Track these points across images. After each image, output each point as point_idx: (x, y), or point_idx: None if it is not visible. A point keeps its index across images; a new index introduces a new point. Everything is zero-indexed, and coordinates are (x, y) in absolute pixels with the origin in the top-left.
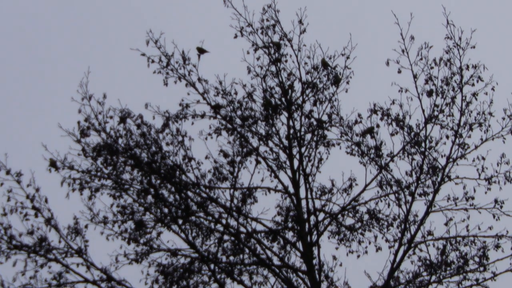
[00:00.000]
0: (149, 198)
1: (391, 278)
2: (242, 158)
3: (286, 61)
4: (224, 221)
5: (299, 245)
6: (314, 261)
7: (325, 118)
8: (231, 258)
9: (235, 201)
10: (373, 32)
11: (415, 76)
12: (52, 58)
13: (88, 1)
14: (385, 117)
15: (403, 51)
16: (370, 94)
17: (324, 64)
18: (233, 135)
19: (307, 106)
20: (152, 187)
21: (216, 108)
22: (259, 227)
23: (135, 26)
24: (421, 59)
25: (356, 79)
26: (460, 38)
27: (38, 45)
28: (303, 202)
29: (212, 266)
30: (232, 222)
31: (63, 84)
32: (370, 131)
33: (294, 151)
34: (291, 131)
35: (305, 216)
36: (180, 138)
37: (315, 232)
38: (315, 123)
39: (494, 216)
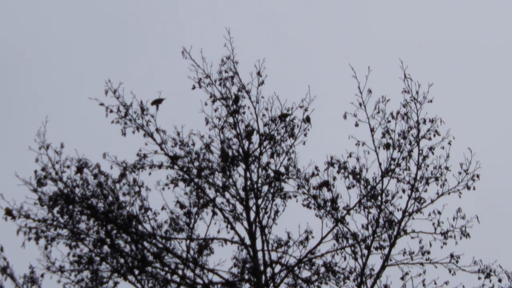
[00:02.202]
0: (105, 248)
1: None
2: (199, 209)
3: (244, 112)
4: (180, 272)
5: None
6: None
7: (282, 170)
8: None
9: (192, 252)
10: (331, 84)
11: (372, 130)
12: (9, 106)
13: (46, 47)
14: (342, 170)
15: (360, 104)
16: (327, 147)
17: (282, 116)
18: (190, 186)
19: (265, 158)
20: (109, 237)
21: (174, 159)
22: (216, 279)
23: (94, 75)
24: (378, 112)
25: (314, 131)
26: (417, 92)
27: None
28: (260, 254)
29: None
30: (189, 273)
31: (21, 133)
32: (326, 184)
33: (251, 203)
34: (248, 182)
35: (262, 268)
36: (137, 189)
37: (271, 284)
38: (272, 175)
39: (450, 271)
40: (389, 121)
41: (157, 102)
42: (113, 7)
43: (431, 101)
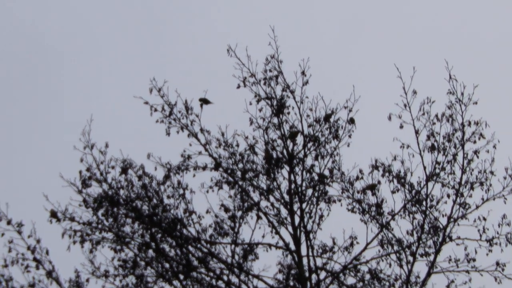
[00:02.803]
0: (150, 252)
1: None
2: (243, 213)
3: (288, 113)
4: (225, 278)
5: None
6: None
7: (326, 173)
8: None
9: (236, 257)
10: (376, 85)
11: (417, 132)
12: (54, 105)
13: (91, 47)
14: (387, 174)
15: (405, 105)
16: (371, 149)
17: (327, 117)
18: (234, 188)
19: (309, 160)
20: (153, 241)
21: (217, 166)
22: (261, 285)
23: (138, 73)
24: (423, 114)
25: (358, 133)
26: (462, 93)
27: (39, 92)
28: (304, 260)
29: None
30: (234, 279)
31: (65, 132)
32: (372, 187)
33: (295, 207)
34: (293, 186)
35: (307, 274)
36: (181, 191)
37: None
38: (316, 178)
39: (496, 279)
40: (434, 123)
41: (204, 101)
42: (159, 5)
43: (476, 103)
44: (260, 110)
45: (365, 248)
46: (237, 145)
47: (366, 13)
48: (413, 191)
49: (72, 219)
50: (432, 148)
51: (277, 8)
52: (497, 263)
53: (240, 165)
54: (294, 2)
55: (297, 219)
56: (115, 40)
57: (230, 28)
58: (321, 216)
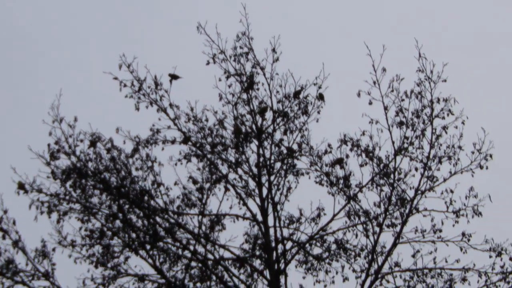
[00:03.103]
0: (118, 222)
1: None
2: (211, 185)
3: (258, 89)
4: (192, 248)
5: (266, 273)
6: None
7: (295, 147)
8: (198, 285)
9: (203, 227)
10: (345, 62)
11: (385, 108)
12: (23, 80)
13: (63, 22)
14: (355, 148)
15: (374, 82)
16: (340, 125)
17: (296, 93)
18: (203, 161)
19: (278, 135)
20: (121, 211)
21: (187, 140)
22: (227, 254)
23: (108, 49)
24: (392, 91)
25: (327, 109)
26: (431, 72)
27: (9, 66)
28: (271, 231)
29: None
30: (200, 249)
31: (34, 106)
32: (339, 161)
33: (263, 179)
34: (261, 159)
35: (273, 244)
36: (149, 164)
37: (282, 261)
38: (285, 152)
39: (461, 249)
40: (402, 100)
41: (173, 77)
42: None
43: (445, 80)
44: (230, 86)
45: (332, 219)
46: (206, 120)
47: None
48: (381, 165)
49: (39, 190)
50: (400, 124)
51: None
52: (463, 234)
53: (209, 139)
54: None
55: (265, 191)
56: (85, 14)
57: (200, 5)
58: (289, 188)
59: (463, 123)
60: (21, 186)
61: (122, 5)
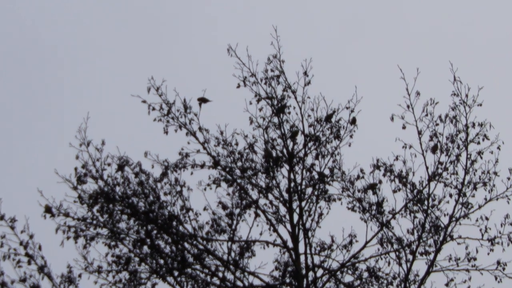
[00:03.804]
0: (145, 248)
1: None
2: (241, 210)
3: (289, 112)
4: (220, 275)
5: None
6: None
7: (327, 172)
8: None
9: (233, 254)
10: (378, 85)
11: (419, 133)
12: (50, 101)
13: (89, 46)
14: (388, 173)
15: (408, 106)
16: (373, 150)
17: (328, 117)
18: (232, 186)
19: (309, 160)
20: (149, 237)
21: (216, 164)
22: (256, 282)
23: (137, 72)
24: (427, 115)
25: (360, 133)
26: (466, 95)
27: (37, 89)
28: (302, 258)
29: None
30: (229, 276)
31: (61, 129)
32: (372, 187)
33: (294, 205)
34: (292, 184)
35: (304, 271)
36: (178, 188)
37: None
38: (316, 177)
39: (496, 278)
40: (437, 124)
41: (203, 100)
42: (158, 3)
43: (480, 104)
44: (260, 109)
45: (364, 246)
46: (236, 144)
47: (367, 13)
48: (415, 191)
49: (66, 214)
50: (434, 149)
51: (279, 8)
52: (498, 262)
53: (239, 164)
54: (295, 2)
55: (296, 217)
56: (113, 38)
57: (231, 28)
58: (320, 214)
59: (498, 148)
60: (48, 209)
61: (152, 28)
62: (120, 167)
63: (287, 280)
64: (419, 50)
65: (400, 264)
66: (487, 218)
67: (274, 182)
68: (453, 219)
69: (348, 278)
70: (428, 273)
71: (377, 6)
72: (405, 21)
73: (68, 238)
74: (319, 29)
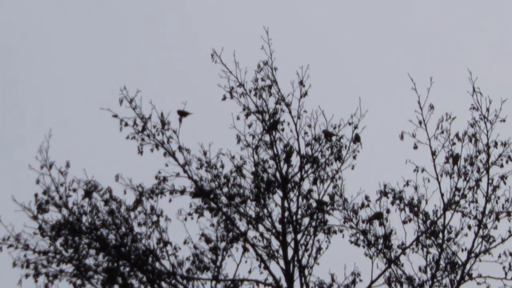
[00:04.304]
0: None
1: None
2: (227, 244)
3: (283, 129)
4: None
5: None
6: None
7: (326, 199)
8: None
9: None
10: (385, 97)
11: (433, 153)
12: (6, 116)
13: (50, 48)
14: (397, 201)
15: (420, 122)
16: (380, 173)
17: (328, 135)
18: (217, 216)
19: (306, 185)
20: (121, 275)
21: (199, 192)
22: None
23: (107, 81)
24: (442, 132)
25: (364, 154)
26: (487, 109)
27: None
28: None
29: None
30: None
31: (20, 148)
32: (378, 217)
33: (289, 238)
34: (286, 213)
35: None
36: (154, 218)
37: None
38: (314, 205)
39: None
40: (454, 144)
41: (182, 114)
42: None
43: (504, 120)
44: (250, 126)
45: (369, 287)
46: (222, 166)
47: (371, 16)
48: (428, 222)
49: (26, 247)
50: (456, 159)
51: (270, 8)
52: None
53: (225, 189)
54: (289, 4)
55: (290, 252)
56: (77, 43)
57: (214, 30)
58: (318, 249)
59: None
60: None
61: (123, 31)
62: (88, 194)
63: None
64: (431, 56)
65: None
66: (511, 254)
67: (265, 211)
68: (472, 254)
69: None
70: None
71: (381, 8)
72: (413, 21)
73: (27, 276)
74: (317, 31)
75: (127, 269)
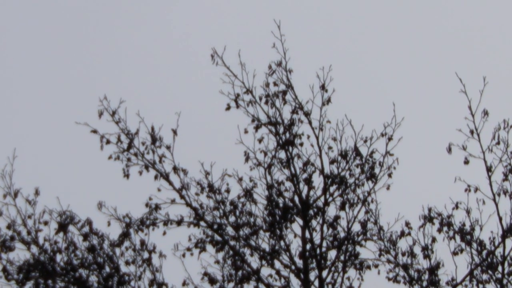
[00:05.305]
0: None
1: None
2: (236, 285)
3: (301, 144)
4: None
5: None
6: None
7: (357, 228)
8: None
9: None
10: (426, 101)
11: (489, 169)
12: None
13: (13, 52)
14: (445, 228)
15: (472, 132)
16: (422, 194)
17: (357, 150)
18: (222, 251)
19: (332, 211)
20: None
21: (199, 220)
22: None
23: (84, 90)
24: (498, 143)
25: (401, 170)
26: None
27: None
28: None
29: None
30: None
31: None
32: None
33: (312, 275)
34: (308, 246)
35: None
36: (145, 255)
37: None
38: (342, 235)
39: None
40: None
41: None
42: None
43: None
44: (260, 140)
45: None
46: (227, 191)
47: (402, 9)
48: (484, 252)
49: None
50: (511, 192)
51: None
52: None
53: (232, 219)
54: None
55: None
56: (45, 43)
57: (216, 25)
58: None
59: None
60: None
61: (102, 28)
62: (62, 227)
63: None
64: (483, 52)
65: None
66: None
67: (282, 243)
68: None
69: None
70: None
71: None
72: (457, 9)
73: None
74: (336, 26)
75: None
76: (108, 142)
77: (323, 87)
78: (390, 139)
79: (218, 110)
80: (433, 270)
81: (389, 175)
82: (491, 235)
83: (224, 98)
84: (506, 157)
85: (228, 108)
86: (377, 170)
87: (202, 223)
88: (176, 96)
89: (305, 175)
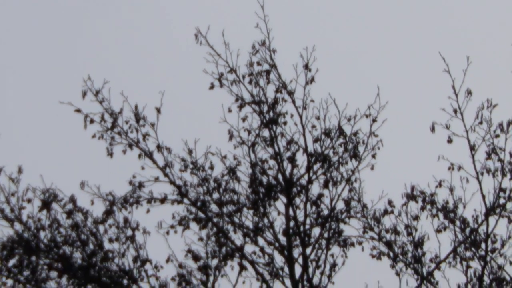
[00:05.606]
0: None
1: None
2: (220, 262)
3: (285, 123)
4: None
5: None
6: None
7: (340, 205)
8: None
9: None
10: (410, 82)
11: (472, 148)
12: None
13: (8, 31)
14: (429, 206)
15: (455, 111)
16: (405, 173)
17: (341, 128)
18: (206, 228)
19: (315, 189)
20: None
21: (183, 197)
22: None
23: (67, 70)
24: (481, 122)
25: (386, 150)
26: None
27: None
28: None
29: None
30: None
31: None
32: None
33: (296, 252)
34: (292, 223)
35: None
36: (129, 232)
37: None
38: (326, 212)
39: None
40: (497, 136)
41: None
42: None
43: None
44: (244, 119)
45: None
46: (211, 168)
47: None
48: (467, 230)
49: None
50: (494, 171)
51: None
52: None
53: (216, 196)
54: None
55: (298, 270)
56: (29, 22)
57: (199, 4)
58: (333, 265)
59: None
60: None
61: (84, 7)
62: (46, 204)
63: None
64: (466, 32)
65: None
66: None
67: (266, 221)
68: None
69: None
70: None
71: None
72: None
73: None
74: (320, 6)
75: None
76: (92, 121)
77: (306, 67)
78: (374, 120)
79: (202, 89)
80: (417, 245)
81: (373, 156)
82: (474, 213)
83: (208, 77)
84: (489, 136)
85: (212, 87)
86: (361, 149)
87: (185, 200)
88: (160, 75)
89: (288, 154)
